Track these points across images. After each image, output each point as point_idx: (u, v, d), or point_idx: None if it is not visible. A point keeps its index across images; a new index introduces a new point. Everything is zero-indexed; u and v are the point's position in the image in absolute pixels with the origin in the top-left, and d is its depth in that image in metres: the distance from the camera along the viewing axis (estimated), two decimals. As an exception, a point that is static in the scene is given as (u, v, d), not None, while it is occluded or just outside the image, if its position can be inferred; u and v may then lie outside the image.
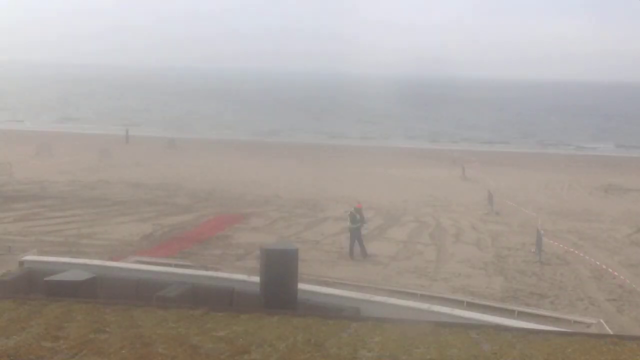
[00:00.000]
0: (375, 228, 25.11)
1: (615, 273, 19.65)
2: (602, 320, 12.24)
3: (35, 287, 12.26)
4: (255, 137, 68.39)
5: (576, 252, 22.26)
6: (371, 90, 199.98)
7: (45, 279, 10.69)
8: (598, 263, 20.77)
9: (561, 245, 23.05)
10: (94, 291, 10.50)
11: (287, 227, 24.69)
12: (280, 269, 10.07)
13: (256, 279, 11.14)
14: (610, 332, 10.78)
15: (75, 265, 13.47)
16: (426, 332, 6.99)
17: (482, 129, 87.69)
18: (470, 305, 13.39)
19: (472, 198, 32.55)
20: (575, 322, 12.72)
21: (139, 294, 12.32)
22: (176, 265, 15.04)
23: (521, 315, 12.67)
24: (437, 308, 11.35)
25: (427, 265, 19.97)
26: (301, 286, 10.86)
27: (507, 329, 7.41)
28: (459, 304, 13.52)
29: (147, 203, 28.46)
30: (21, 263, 13.78)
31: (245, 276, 12.88)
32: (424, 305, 11.53)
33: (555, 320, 12.81)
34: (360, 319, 7.91)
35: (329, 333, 6.88)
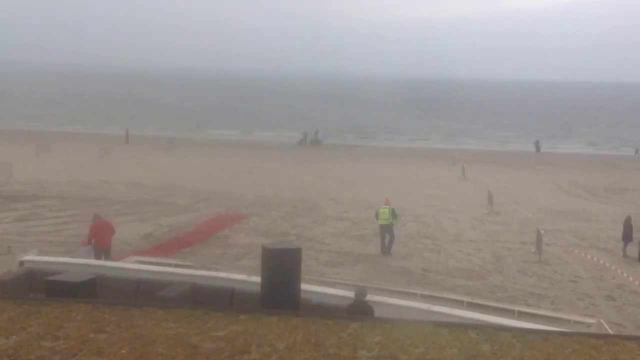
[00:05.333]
0: (374, 228, 25.09)
1: (615, 273, 19.65)
2: (602, 320, 12.21)
3: (35, 287, 12.25)
4: (255, 137, 68.44)
5: (576, 251, 22.26)
6: (370, 90, 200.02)
7: (45, 279, 10.69)
8: (598, 263, 20.77)
9: (561, 245, 23.06)
10: (93, 291, 10.49)
11: (288, 227, 24.68)
12: (282, 269, 10.01)
13: (257, 278, 11.12)
14: (610, 332, 10.77)
15: (75, 265, 13.47)
16: (426, 332, 6.97)
17: (482, 129, 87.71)
18: (470, 305, 13.36)
19: (472, 198, 32.55)
20: (575, 322, 12.70)
21: (139, 294, 12.31)
22: (176, 265, 15.01)
23: (521, 315, 12.65)
24: (437, 308, 11.32)
25: (426, 265, 19.97)
26: (301, 286, 10.85)
27: (507, 329, 7.39)
28: (459, 304, 13.50)
29: (147, 203, 28.46)
30: (21, 263, 13.77)
31: (245, 276, 12.85)
32: (424, 305, 11.51)
33: (555, 320, 12.78)
34: (360, 319, 7.89)
35: (329, 333, 6.87)
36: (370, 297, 11.84)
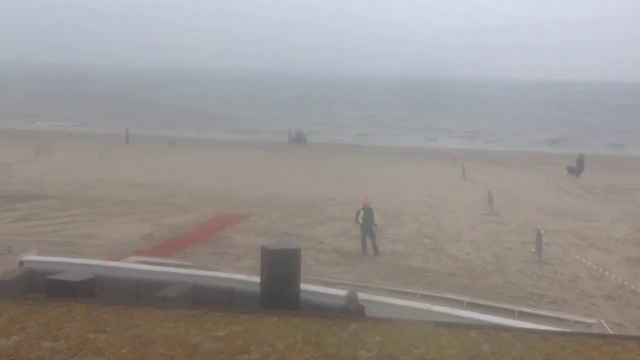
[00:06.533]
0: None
1: (615, 273, 19.66)
2: (602, 320, 12.22)
3: (35, 287, 12.25)
4: (253, 136, 68.45)
5: (576, 252, 22.26)
6: (371, 90, 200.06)
7: (45, 278, 10.70)
8: (598, 263, 20.78)
9: (561, 245, 23.06)
10: (93, 291, 10.50)
11: (288, 227, 24.68)
12: (282, 270, 10.00)
13: (257, 278, 11.12)
14: (610, 332, 10.77)
15: (75, 265, 13.45)
16: (426, 332, 6.98)
17: (482, 129, 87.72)
18: (470, 305, 13.36)
19: (472, 198, 32.54)
20: (575, 322, 12.69)
21: (139, 294, 12.31)
22: (176, 265, 15.00)
23: (521, 315, 12.65)
24: (437, 308, 11.32)
25: (426, 265, 19.98)
26: (301, 286, 10.85)
27: (507, 329, 7.40)
28: (459, 304, 13.49)
29: (147, 203, 28.46)
30: (21, 263, 13.76)
31: (245, 276, 12.85)
32: (424, 305, 11.50)
33: (555, 320, 12.78)
34: (360, 319, 7.90)
35: (329, 333, 6.87)
36: (370, 297, 11.85)
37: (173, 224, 24.46)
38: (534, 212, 29.41)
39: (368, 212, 21.28)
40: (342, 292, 12.06)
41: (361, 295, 11.92)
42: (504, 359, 6.28)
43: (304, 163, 45.67)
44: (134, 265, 14.29)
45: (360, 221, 21.23)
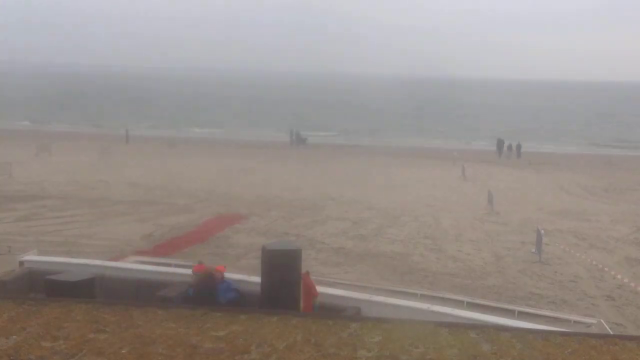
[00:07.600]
0: (374, 228, 25.12)
1: (615, 273, 19.65)
2: (602, 320, 12.19)
3: (35, 287, 12.24)
4: (254, 137, 68.47)
5: (576, 252, 22.26)
6: (371, 90, 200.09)
7: (44, 278, 10.69)
8: (598, 263, 20.77)
9: (561, 245, 23.06)
10: (93, 291, 10.50)
11: (288, 227, 24.68)
12: (283, 270, 9.99)
13: (257, 278, 11.11)
14: (610, 332, 10.76)
15: (75, 265, 13.44)
16: (426, 332, 6.98)
17: (482, 129, 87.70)
18: (470, 305, 13.34)
19: (472, 198, 32.55)
20: (575, 322, 12.65)
21: (139, 294, 12.30)
22: (176, 265, 14.98)
23: (521, 315, 12.61)
24: (437, 308, 11.29)
25: (426, 265, 19.98)
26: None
27: (507, 329, 7.40)
28: (459, 304, 13.47)
29: (147, 203, 28.46)
30: (21, 263, 13.73)
31: (245, 276, 12.84)
32: (424, 305, 11.47)
33: (555, 320, 12.75)
34: (360, 319, 7.89)
35: (329, 333, 6.87)
36: (371, 297, 11.84)
37: (173, 224, 24.46)
38: (534, 212, 29.41)
39: None
40: (342, 292, 12.06)
41: (361, 295, 11.93)
42: (504, 359, 6.28)
43: (304, 163, 45.65)
44: (134, 265, 14.26)
45: None
